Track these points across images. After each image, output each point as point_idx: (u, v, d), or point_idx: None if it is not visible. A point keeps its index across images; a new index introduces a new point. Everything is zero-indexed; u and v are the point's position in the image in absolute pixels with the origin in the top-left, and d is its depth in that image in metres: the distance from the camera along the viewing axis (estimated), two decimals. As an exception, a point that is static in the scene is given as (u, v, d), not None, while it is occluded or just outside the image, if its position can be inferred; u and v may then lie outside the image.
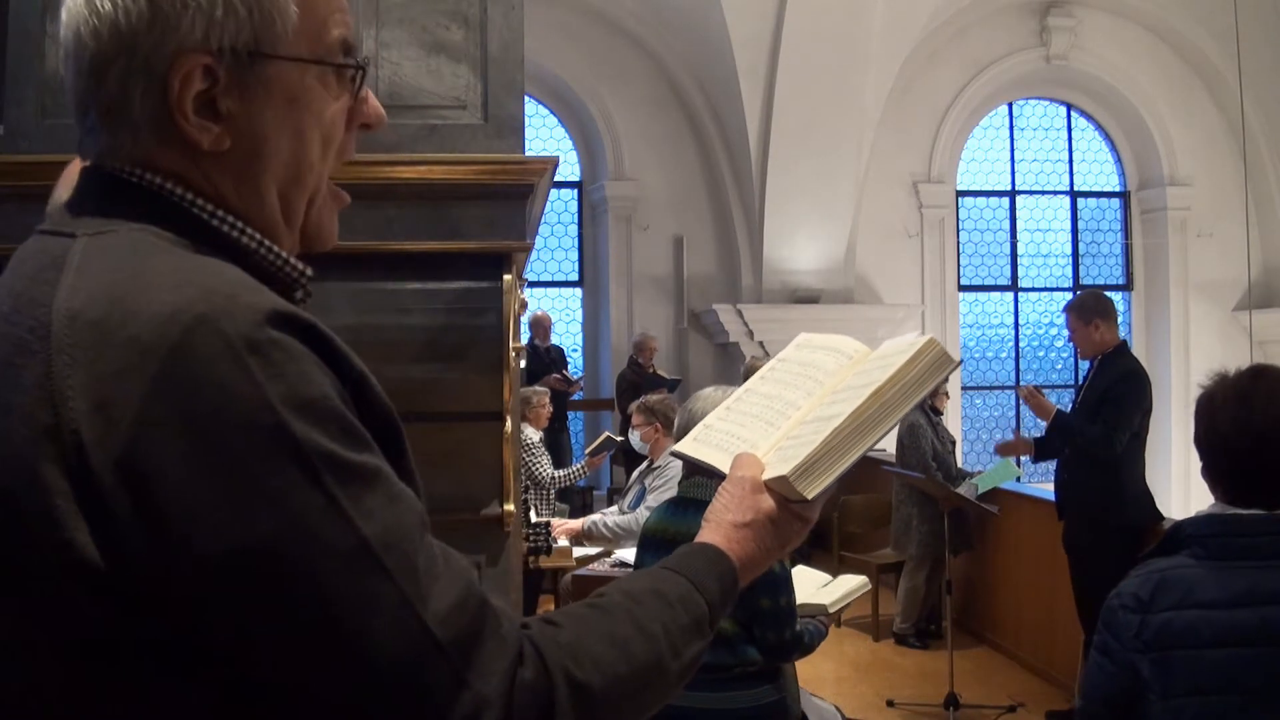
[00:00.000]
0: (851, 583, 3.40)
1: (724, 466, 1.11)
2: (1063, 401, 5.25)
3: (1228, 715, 1.65)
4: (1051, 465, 5.30)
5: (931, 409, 6.63)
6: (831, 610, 3.20)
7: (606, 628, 0.86)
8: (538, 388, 6.92)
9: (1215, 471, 1.83)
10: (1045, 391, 5.12)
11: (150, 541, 0.72)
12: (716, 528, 1.03)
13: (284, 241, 0.92)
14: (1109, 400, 4.74)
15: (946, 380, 1.12)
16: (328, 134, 0.93)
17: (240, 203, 0.89)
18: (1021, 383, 11.38)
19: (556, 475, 6.13)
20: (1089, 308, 4.96)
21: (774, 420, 1.14)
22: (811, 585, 3.36)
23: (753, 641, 2.78)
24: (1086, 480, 4.82)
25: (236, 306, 0.75)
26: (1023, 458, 5.84)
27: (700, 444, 1.19)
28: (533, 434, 6.15)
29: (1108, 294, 5.28)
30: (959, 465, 6.86)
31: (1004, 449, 5.63)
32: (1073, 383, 10.37)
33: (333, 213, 0.98)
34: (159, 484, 0.71)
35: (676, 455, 1.24)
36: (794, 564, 3.43)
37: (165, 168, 0.87)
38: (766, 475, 1.05)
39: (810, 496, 1.03)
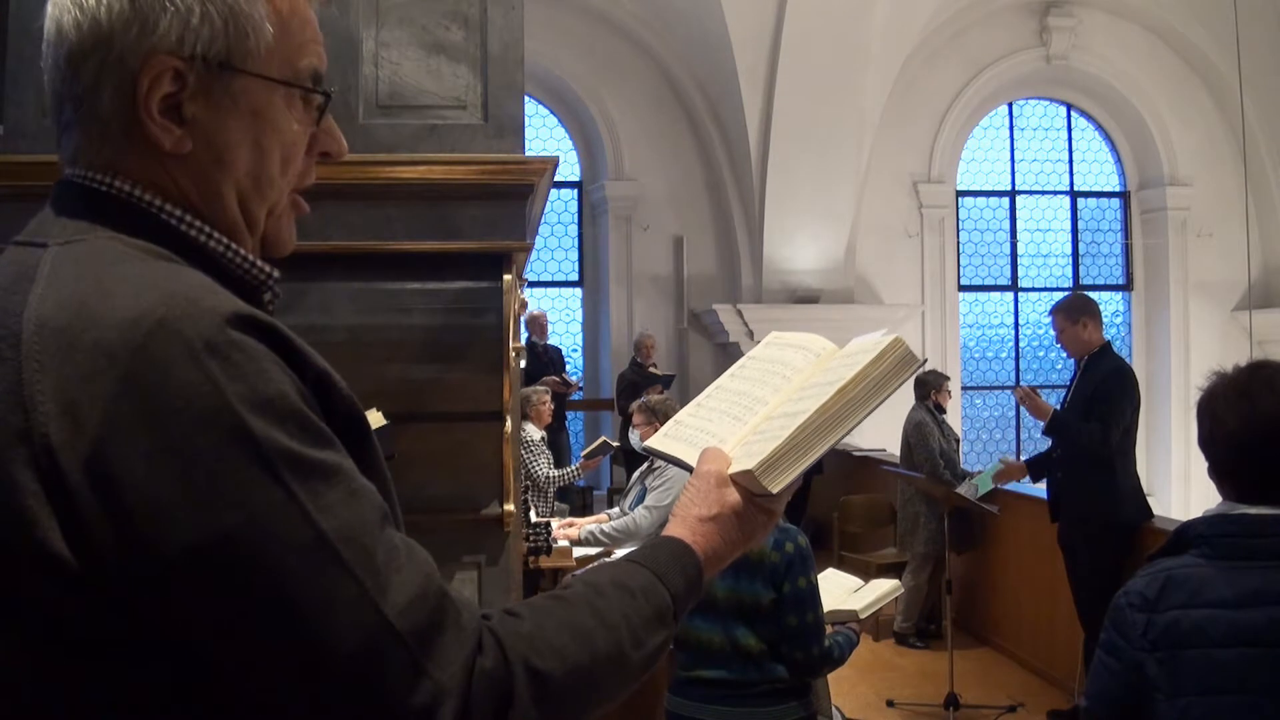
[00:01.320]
0: (884, 587, 3.34)
1: (693, 461, 1.12)
2: (1059, 402, 5.27)
3: (1236, 715, 1.65)
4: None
5: (935, 406, 6.63)
6: (863, 617, 3.16)
7: (567, 618, 0.89)
8: (537, 386, 6.91)
9: (1221, 469, 1.81)
10: (1044, 392, 5.14)
11: (117, 539, 0.74)
12: (682, 521, 1.05)
13: (245, 245, 0.95)
14: (1100, 398, 4.78)
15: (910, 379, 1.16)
16: (288, 153, 0.95)
17: (205, 206, 0.92)
18: (1021, 383, 11.38)
19: (551, 475, 6.12)
20: (1076, 307, 5.01)
21: (741, 416, 1.16)
22: (842, 591, 3.31)
23: (780, 659, 2.76)
24: (1081, 479, 4.84)
25: (197, 310, 0.78)
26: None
27: (671, 439, 1.21)
28: (534, 432, 6.15)
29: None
30: (961, 464, 6.86)
31: (1002, 478, 5.70)
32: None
33: (291, 221, 1.01)
34: (124, 483, 0.74)
35: (648, 451, 1.26)
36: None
37: (134, 171, 0.90)
38: (732, 469, 1.07)
39: (775, 491, 1.05)
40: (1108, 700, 1.77)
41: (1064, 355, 11.78)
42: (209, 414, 0.75)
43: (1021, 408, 5.04)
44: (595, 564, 0.99)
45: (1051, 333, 5.20)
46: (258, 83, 0.91)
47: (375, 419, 2.20)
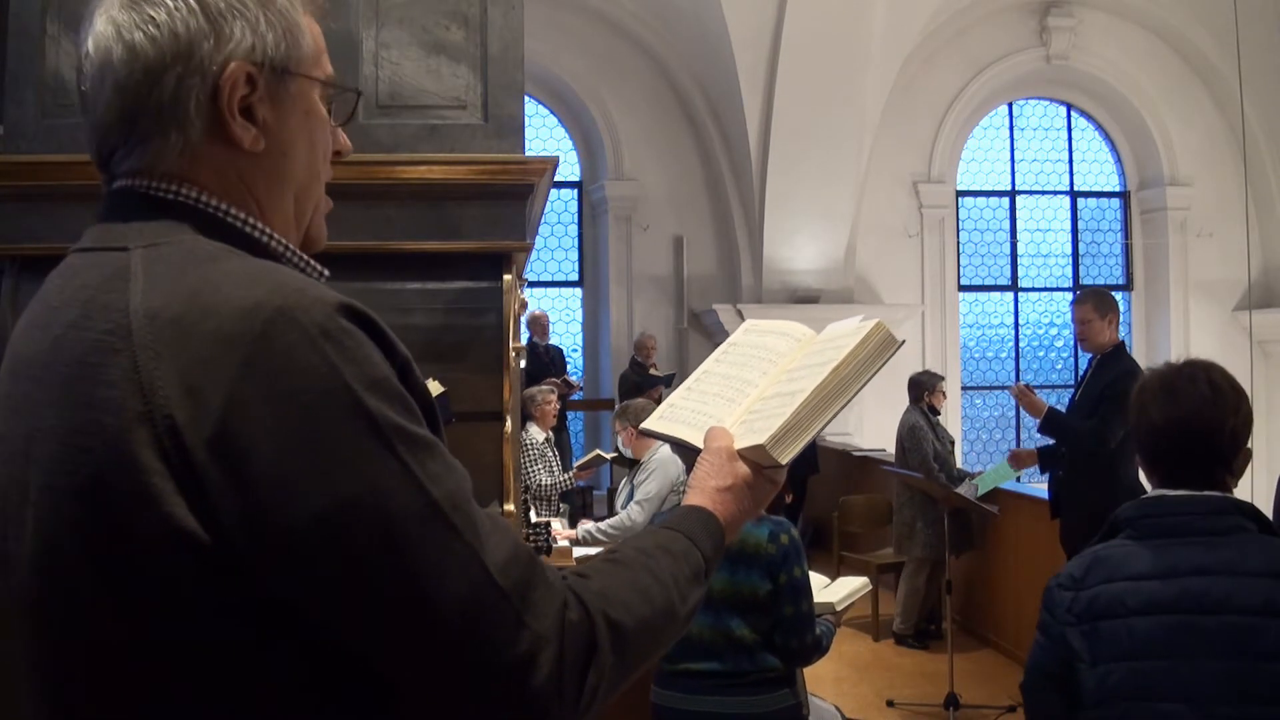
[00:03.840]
0: (854, 583, 3.43)
1: (692, 439, 1.23)
2: (1061, 402, 5.24)
3: (1152, 678, 1.77)
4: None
5: (929, 408, 6.61)
6: (839, 609, 3.23)
7: (629, 577, 0.98)
8: (542, 387, 6.84)
9: (1149, 458, 1.97)
10: (1044, 391, 5.12)
11: (244, 509, 0.80)
12: (701, 492, 1.15)
13: (294, 242, 1.02)
14: (1109, 396, 4.75)
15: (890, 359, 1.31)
16: (327, 149, 1.04)
17: (267, 203, 0.99)
18: (1020, 382, 11.39)
19: (544, 484, 6.06)
20: (1108, 302, 5.01)
21: (734, 397, 1.27)
22: (813, 587, 3.37)
23: (772, 648, 2.81)
24: (1084, 478, 4.83)
25: (308, 300, 0.85)
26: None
27: (667, 421, 1.30)
28: (538, 434, 6.08)
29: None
30: (958, 465, 6.84)
31: (1016, 460, 5.53)
32: (1072, 382, 10.38)
33: (323, 218, 1.08)
34: (250, 457, 0.80)
35: (645, 432, 1.34)
36: None
37: (201, 179, 0.95)
38: (739, 445, 1.18)
39: (784, 462, 1.16)
40: (1038, 672, 1.92)
41: (1064, 355, 11.86)
42: (329, 393, 0.82)
43: (1019, 406, 4.98)
44: (639, 531, 1.12)
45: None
46: (307, 84, 0.99)
47: (434, 387, 2.24)
